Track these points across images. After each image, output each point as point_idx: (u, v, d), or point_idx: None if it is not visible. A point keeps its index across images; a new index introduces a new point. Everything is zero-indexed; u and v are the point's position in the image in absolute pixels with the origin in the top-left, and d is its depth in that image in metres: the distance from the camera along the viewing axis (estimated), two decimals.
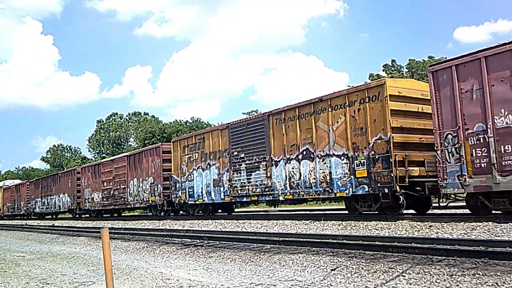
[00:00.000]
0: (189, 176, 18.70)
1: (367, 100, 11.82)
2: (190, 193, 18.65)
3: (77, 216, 30.20)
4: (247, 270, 6.82)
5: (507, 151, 9.04)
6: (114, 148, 62.66)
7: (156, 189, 20.77)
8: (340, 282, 5.51)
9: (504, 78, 9.10)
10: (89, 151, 68.68)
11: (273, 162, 14.65)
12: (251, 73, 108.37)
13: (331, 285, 5.38)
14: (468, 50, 9.69)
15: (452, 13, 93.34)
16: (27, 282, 7.09)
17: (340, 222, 11.49)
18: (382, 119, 11.42)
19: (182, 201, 19.14)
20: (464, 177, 9.63)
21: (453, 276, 5.12)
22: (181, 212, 20.59)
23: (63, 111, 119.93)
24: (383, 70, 40.40)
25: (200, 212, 19.11)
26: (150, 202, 21.25)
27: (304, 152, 13.56)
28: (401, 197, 11.12)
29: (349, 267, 6.20)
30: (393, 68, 39.72)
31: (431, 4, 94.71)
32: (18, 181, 50.03)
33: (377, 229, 9.79)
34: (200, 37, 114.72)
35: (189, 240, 11.17)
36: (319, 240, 8.35)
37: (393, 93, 11.48)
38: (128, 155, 24.37)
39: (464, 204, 10.79)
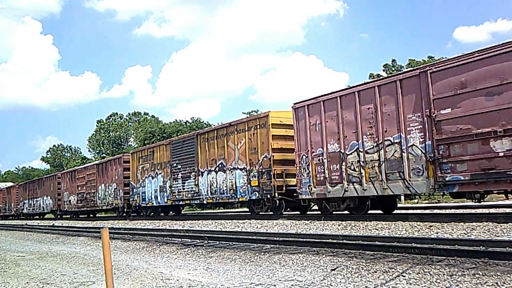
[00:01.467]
0: (142, 183, 22.14)
1: (258, 127, 15.20)
2: (143, 197, 22.08)
3: (58, 216, 33.43)
4: (247, 270, 6.82)
5: (334, 169, 12.44)
6: (114, 148, 62.64)
7: (118, 193, 24.17)
8: (340, 282, 5.51)
9: (333, 116, 12.42)
10: (89, 151, 68.75)
11: (200, 173, 18.03)
12: (251, 73, 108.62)
13: (331, 285, 5.38)
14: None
15: (452, 13, 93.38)
16: (27, 282, 7.09)
17: (340, 222, 11.49)
18: (267, 142, 14.78)
19: (137, 204, 22.58)
20: (311, 187, 13.00)
21: (453, 276, 5.12)
22: (142, 213, 23.34)
23: (63, 111, 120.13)
24: (384, 70, 40.42)
25: (152, 213, 22.53)
26: (114, 205, 24.74)
27: (220, 165, 16.90)
28: (278, 201, 14.56)
29: (349, 267, 6.19)
30: (393, 68, 39.71)
31: (431, 4, 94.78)
32: (10, 184, 52.48)
33: (377, 229, 9.79)
34: (200, 37, 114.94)
35: (189, 240, 11.17)
36: (319, 240, 8.35)
37: (275, 122, 14.83)
38: (97, 163, 28.02)
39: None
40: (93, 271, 7.94)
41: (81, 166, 32.91)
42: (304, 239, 8.73)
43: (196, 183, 18.10)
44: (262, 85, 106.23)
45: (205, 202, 18.01)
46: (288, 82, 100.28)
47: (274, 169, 14.47)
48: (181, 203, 19.97)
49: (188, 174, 18.63)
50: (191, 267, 7.59)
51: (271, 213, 15.13)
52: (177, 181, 19.35)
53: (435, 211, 13.40)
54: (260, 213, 15.59)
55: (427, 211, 13.61)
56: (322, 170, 12.69)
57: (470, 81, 9.57)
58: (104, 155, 60.36)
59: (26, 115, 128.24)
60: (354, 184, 11.88)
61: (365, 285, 5.27)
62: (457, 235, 8.13)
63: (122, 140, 65.83)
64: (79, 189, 28.92)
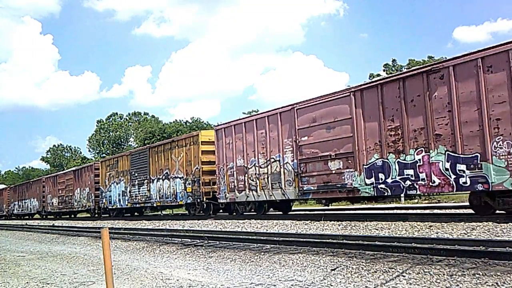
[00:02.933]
0: (109, 188, 25.41)
1: (192, 143, 18.48)
2: (110, 200, 25.40)
3: (43, 216, 36.93)
4: (247, 270, 6.82)
5: (240, 179, 15.77)
6: (114, 148, 62.58)
7: (90, 196, 27.69)
8: (340, 282, 5.51)
9: (240, 138, 15.73)
10: (89, 151, 68.66)
11: (151, 180, 21.39)
12: (251, 73, 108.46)
13: (331, 285, 5.38)
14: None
15: (451, 13, 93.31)
16: (27, 282, 7.09)
17: (340, 222, 11.50)
18: (198, 156, 18.03)
19: (105, 206, 25.98)
20: (226, 193, 16.36)
21: (453, 276, 5.12)
22: (110, 214, 26.49)
23: (63, 111, 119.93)
24: (384, 70, 40.39)
25: (118, 214, 25.65)
26: (87, 206, 28.41)
27: (165, 174, 20.25)
28: (206, 204, 18.13)
29: (349, 267, 6.20)
30: (393, 68, 39.67)
31: (430, 4, 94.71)
32: (2, 186, 55.90)
33: (377, 229, 9.79)
34: (200, 37, 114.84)
35: (189, 240, 11.17)
36: (319, 240, 8.35)
37: (204, 140, 18.05)
38: (74, 170, 32.03)
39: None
40: (93, 271, 7.94)
41: (61, 172, 37.03)
42: (304, 239, 8.74)
43: (148, 189, 21.59)
44: (262, 85, 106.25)
45: (155, 205, 21.56)
46: (288, 82, 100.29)
47: (203, 178, 17.81)
48: (137, 206, 23.12)
49: (142, 181, 22.11)
50: (191, 267, 7.59)
51: (203, 213, 18.48)
52: (135, 187, 22.77)
53: (435, 211, 13.43)
54: (196, 214, 18.89)
55: (427, 211, 13.62)
56: (233, 180, 16.07)
57: (318, 117, 13.00)
58: (104, 155, 60.30)
59: (26, 115, 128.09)
60: (253, 191, 15.29)
61: (365, 285, 5.27)
62: (457, 235, 8.13)
63: (122, 140, 65.76)
64: (60, 192, 32.59)
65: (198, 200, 18.01)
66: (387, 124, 11.23)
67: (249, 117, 16.17)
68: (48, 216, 35.89)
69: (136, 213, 26.48)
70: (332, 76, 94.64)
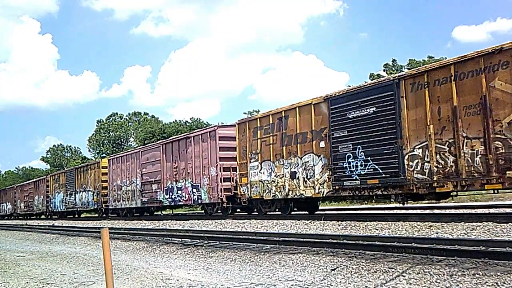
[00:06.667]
0: (54, 196, 34.57)
1: (97, 168, 27.44)
2: (54, 205, 34.47)
3: (15, 217, 44.79)
4: (247, 270, 6.82)
5: (118, 193, 24.92)
6: (114, 148, 62.49)
7: (44, 202, 36.67)
8: (340, 282, 5.51)
9: (119, 167, 24.70)
10: (89, 151, 68.58)
11: (76, 191, 30.25)
12: (251, 72, 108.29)
13: (331, 285, 5.38)
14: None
15: (451, 12, 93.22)
16: (27, 282, 7.09)
17: (340, 222, 11.49)
18: (100, 176, 26.76)
19: (52, 210, 35.10)
20: (112, 202, 25.46)
21: (453, 276, 5.12)
22: (56, 216, 35.27)
23: (63, 111, 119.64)
24: (384, 70, 40.35)
25: (62, 216, 34.24)
26: (41, 210, 37.53)
27: (84, 188, 29.14)
28: (104, 210, 26.83)
29: (349, 267, 6.20)
30: (394, 68, 39.64)
31: (430, 3, 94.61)
32: None
33: (377, 229, 9.79)
34: (199, 37, 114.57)
35: (189, 240, 11.17)
36: (319, 240, 8.34)
37: (104, 165, 26.79)
38: (34, 181, 41.46)
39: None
40: (93, 271, 7.94)
41: (25, 182, 45.84)
42: (304, 239, 8.73)
43: (75, 198, 30.49)
44: (262, 85, 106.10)
45: (79, 209, 30.98)
46: (288, 82, 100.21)
47: (103, 192, 26.44)
48: (69, 209, 32.05)
49: (72, 192, 31.00)
50: (191, 267, 7.59)
51: (104, 215, 27.34)
52: (68, 196, 31.78)
53: (435, 211, 13.45)
54: (100, 216, 27.78)
55: (427, 211, 13.64)
56: (115, 194, 25.00)
57: (149, 157, 21.86)
58: (104, 155, 60.23)
59: (25, 115, 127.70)
60: (124, 201, 24.13)
61: (365, 285, 5.27)
62: (457, 235, 8.13)
63: (122, 140, 65.70)
64: (25, 198, 41.37)
65: (100, 207, 26.87)
66: (173, 164, 19.93)
67: (124, 153, 25.62)
68: (19, 217, 43.69)
69: (76, 215, 34.09)
70: (332, 76, 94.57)
